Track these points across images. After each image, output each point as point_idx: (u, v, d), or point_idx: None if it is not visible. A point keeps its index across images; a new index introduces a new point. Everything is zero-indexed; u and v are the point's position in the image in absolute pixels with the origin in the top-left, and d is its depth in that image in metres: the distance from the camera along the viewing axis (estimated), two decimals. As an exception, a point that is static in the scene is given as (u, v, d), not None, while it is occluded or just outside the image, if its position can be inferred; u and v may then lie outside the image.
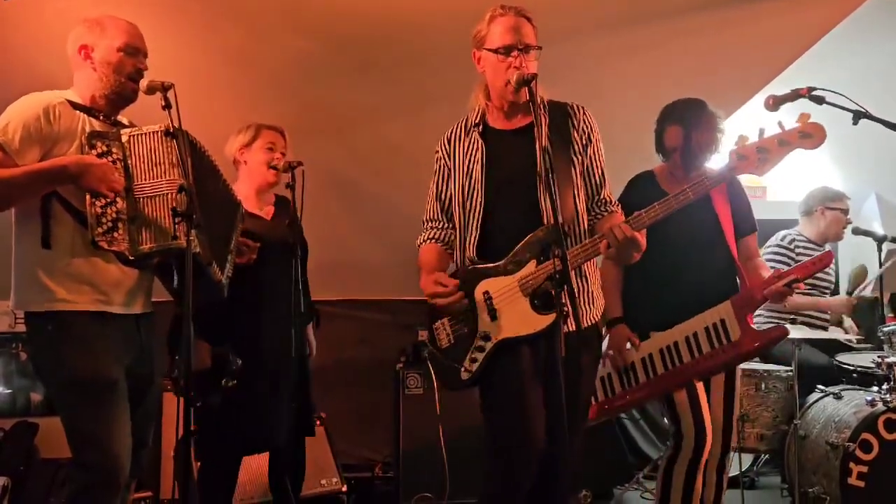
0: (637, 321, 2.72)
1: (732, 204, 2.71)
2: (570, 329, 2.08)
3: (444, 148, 2.33)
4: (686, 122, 2.67)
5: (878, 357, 3.46)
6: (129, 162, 2.12)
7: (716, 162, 2.70)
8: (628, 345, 2.70)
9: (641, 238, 2.01)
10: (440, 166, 2.34)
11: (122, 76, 2.22)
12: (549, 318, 2.06)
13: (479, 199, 2.21)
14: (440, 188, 2.34)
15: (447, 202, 2.32)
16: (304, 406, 2.84)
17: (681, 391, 2.62)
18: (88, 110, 2.22)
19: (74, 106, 2.19)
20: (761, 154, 1.98)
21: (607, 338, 2.75)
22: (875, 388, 3.35)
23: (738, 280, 2.73)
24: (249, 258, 2.67)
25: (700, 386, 2.66)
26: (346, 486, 3.83)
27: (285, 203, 2.91)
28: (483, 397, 2.26)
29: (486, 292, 2.17)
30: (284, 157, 2.87)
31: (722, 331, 2.50)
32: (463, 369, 2.19)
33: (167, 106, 2.06)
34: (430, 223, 2.38)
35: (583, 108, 2.26)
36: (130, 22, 2.27)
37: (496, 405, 2.20)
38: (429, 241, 2.36)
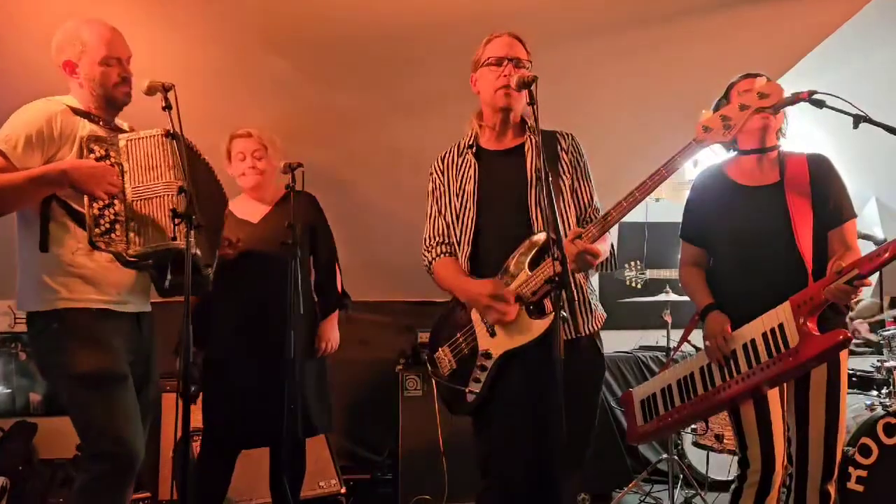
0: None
1: (814, 194, 2.35)
2: (569, 337, 2.09)
3: (437, 168, 2.37)
4: None
5: (878, 361, 3.46)
6: (127, 165, 2.15)
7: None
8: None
9: (596, 248, 2.02)
10: (436, 185, 2.36)
11: (108, 87, 2.26)
12: (545, 322, 2.06)
13: (471, 215, 2.25)
14: (441, 206, 2.34)
15: (451, 219, 2.32)
16: (308, 407, 2.85)
17: (748, 408, 2.34)
18: (88, 115, 2.25)
19: (75, 111, 2.22)
20: (725, 121, 2.05)
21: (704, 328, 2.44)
22: (874, 393, 3.35)
23: (812, 279, 2.29)
24: (226, 252, 2.74)
25: (775, 402, 2.36)
26: (344, 487, 3.84)
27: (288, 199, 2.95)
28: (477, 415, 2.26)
29: None
30: (265, 156, 2.95)
31: (780, 336, 2.20)
32: (468, 391, 2.20)
33: (167, 107, 2.06)
34: (435, 239, 2.35)
35: (571, 135, 2.31)
36: (108, 26, 2.27)
37: (490, 420, 2.21)
38: (442, 255, 2.33)
